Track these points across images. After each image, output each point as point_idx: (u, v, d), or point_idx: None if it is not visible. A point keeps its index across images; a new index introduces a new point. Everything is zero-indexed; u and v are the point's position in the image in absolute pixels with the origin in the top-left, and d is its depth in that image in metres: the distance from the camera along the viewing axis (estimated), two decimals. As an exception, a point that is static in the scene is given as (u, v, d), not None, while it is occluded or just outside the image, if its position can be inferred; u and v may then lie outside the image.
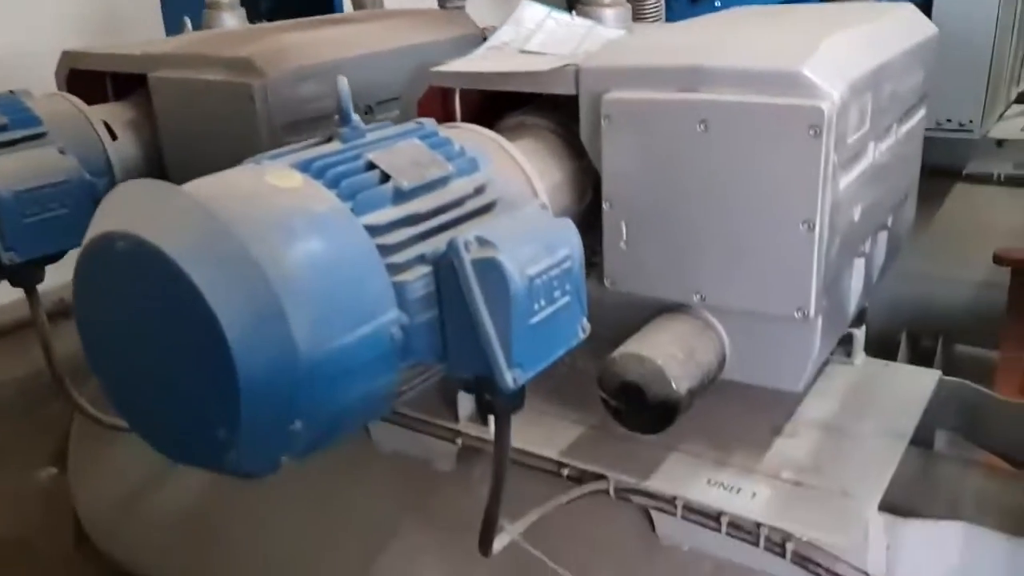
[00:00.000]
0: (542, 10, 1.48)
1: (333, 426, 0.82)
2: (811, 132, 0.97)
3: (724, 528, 1.16)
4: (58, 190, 1.37)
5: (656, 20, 1.96)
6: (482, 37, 1.70)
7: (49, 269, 1.41)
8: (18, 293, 1.42)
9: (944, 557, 1.08)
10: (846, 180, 1.08)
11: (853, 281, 1.25)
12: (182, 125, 1.59)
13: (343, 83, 0.93)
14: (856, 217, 1.15)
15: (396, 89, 1.46)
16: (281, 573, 1.61)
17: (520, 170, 1.12)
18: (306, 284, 0.75)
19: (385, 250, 0.83)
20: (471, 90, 1.33)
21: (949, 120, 2.55)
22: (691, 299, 1.11)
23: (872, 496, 1.13)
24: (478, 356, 0.84)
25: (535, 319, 0.85)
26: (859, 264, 1.25)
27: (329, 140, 0.95)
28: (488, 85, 1.26)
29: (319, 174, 0.85)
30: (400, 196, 0.88)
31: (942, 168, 2.91)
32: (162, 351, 0.76)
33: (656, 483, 1.19)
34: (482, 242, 0.83)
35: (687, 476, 1.20)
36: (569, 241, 0.91)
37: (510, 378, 0.84)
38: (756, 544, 1.14)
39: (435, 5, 2.14)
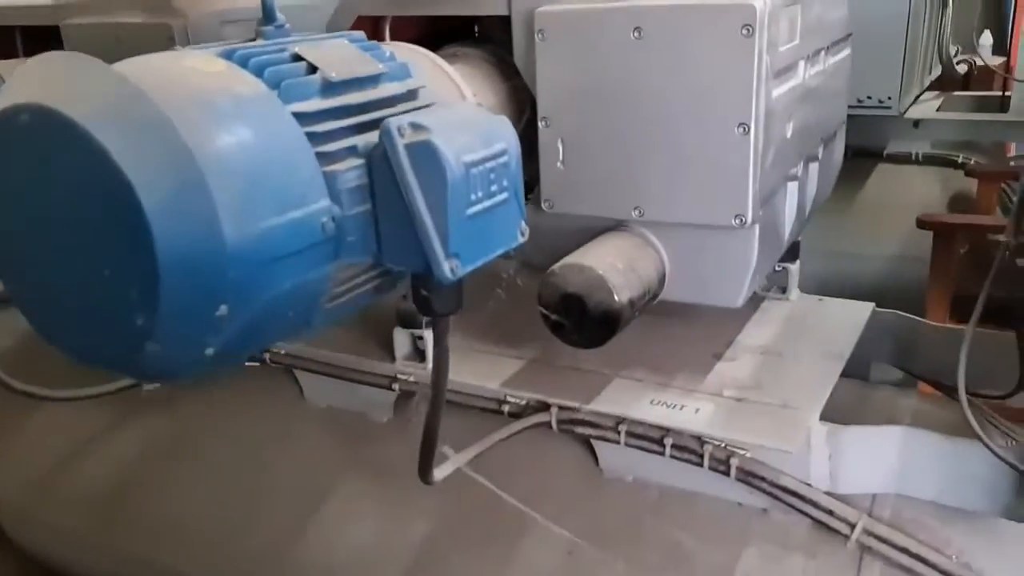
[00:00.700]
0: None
1: (262, 320, 0.77)
2: (744, 31, 0.97)
3: (668, 451, 1.15)
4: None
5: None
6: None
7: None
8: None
9: (886, 460, 1.09)
10: (779, 91, 1.08)
11: (787, 205, 1.26)
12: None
13: (265, -17, 0.89)
14: (788, 133, 1.15)
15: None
16: (213, 542, 1.53)
17: (454, 85, 1.10)
18: (230, 160, 0.71)
19: (314, 138, 0.80)
20: (404, 24, 1.30)
21: (869, 97, 2.65)
22: (630, 214, 1.10)
23: (813, 407, 1.13)
24: (414, 249, 0.81)
25: (472, 210, 0.83)
26: (792, 188, 1.26)
27: (253, 40, 0.91)
28: (418, 10, 1.23)
29: (243, 62, 0.81)
30: (329, 89, 0.85)
31: (865, 149, 3.04)
32: (74, 236, 0.71)
33: (599, 405, 1.17)
34: (416, 127, 0.80)
35: (629, 399, 1.18)
36: (505, 136, 0.88)
37: (447, 268, 0.81)
38: (700, 464, 1.13)
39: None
